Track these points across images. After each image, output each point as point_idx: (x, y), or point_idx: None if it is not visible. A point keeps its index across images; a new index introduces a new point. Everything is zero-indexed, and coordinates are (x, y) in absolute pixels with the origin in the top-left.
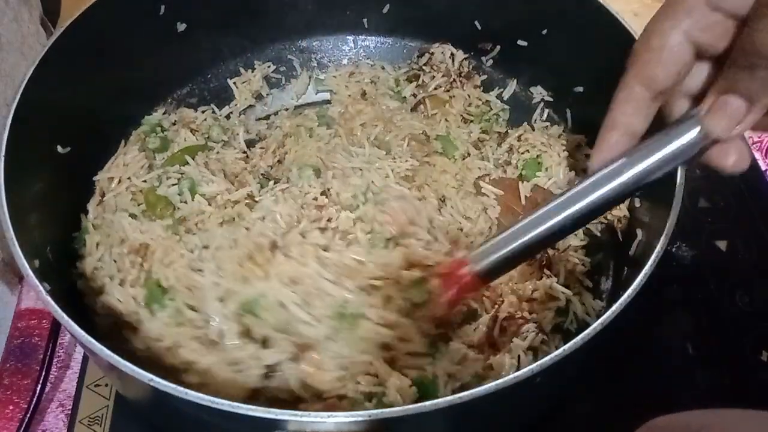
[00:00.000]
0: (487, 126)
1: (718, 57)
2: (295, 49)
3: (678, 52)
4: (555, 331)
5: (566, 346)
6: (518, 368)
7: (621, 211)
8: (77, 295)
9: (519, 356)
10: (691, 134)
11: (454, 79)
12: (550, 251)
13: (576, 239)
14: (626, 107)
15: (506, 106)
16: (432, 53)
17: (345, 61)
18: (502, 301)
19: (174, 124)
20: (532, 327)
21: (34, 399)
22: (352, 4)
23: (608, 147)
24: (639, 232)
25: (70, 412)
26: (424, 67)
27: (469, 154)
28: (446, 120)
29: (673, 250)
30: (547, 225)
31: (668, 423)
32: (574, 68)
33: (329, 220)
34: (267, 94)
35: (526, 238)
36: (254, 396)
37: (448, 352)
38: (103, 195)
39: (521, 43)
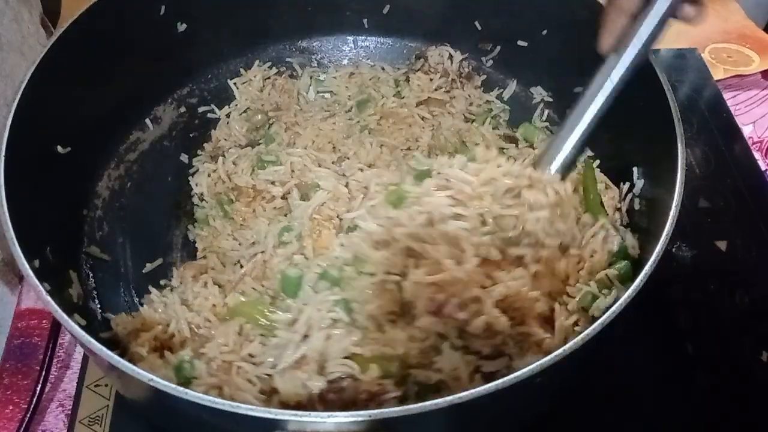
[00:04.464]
0: None
1: None
2: (295, 49)
3: None
4: None
5: (566, 347)
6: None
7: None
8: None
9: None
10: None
11: (454, 80)
12: None
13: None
14: None
15: (506, 107)
16: (428, 57)
17: (345, 62)
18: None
19: None
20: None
21: (34, 399)
22: (352, 4)
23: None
24: (639, 232)
25: (70, 412)
26: (419, 71)
27: None
28: None
29: (673, 250)
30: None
31: None
32: (575, 69)
33: None
34: None
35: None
36: None
37: None
38: None
39: (521, 43)
